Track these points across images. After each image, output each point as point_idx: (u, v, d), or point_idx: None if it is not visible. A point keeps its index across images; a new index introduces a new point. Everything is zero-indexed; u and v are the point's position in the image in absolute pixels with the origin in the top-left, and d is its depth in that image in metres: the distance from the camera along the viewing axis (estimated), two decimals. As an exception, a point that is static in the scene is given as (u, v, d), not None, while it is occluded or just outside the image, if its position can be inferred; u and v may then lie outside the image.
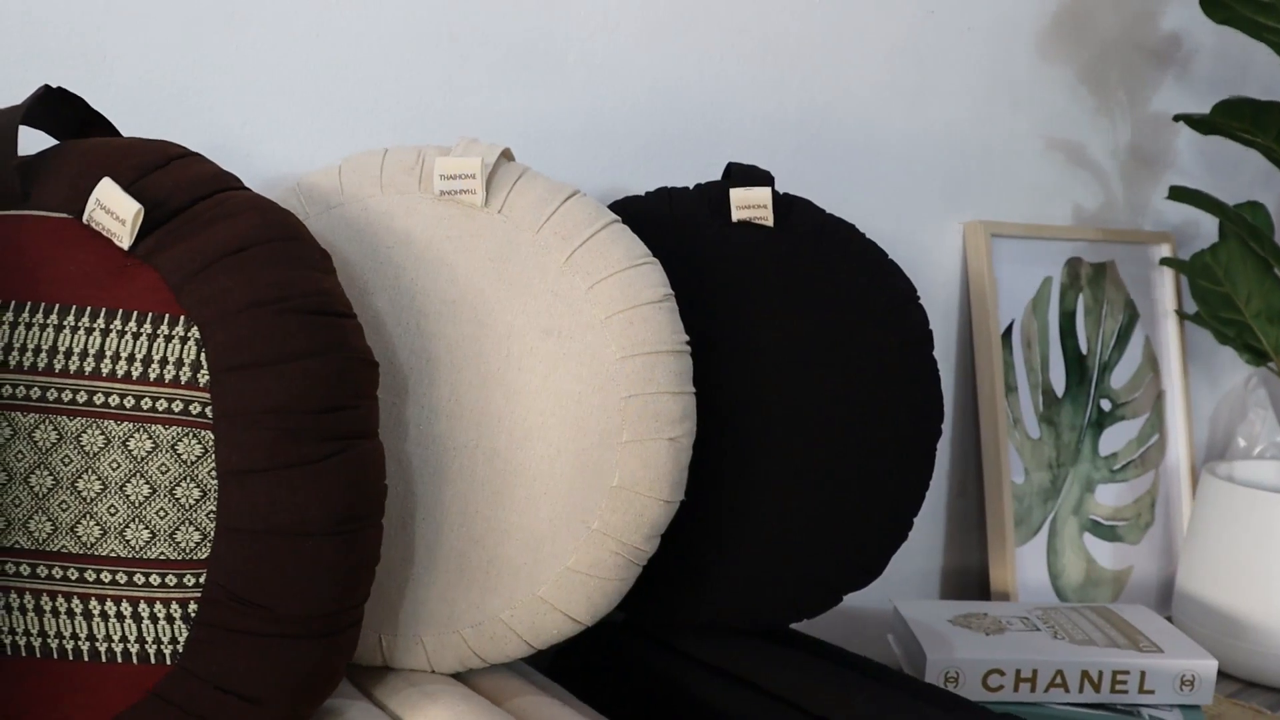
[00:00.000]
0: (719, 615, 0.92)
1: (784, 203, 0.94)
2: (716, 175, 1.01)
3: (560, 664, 0.96)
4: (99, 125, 0.77)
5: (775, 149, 1.09)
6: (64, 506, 0.66)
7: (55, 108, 0.74)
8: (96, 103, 0.81)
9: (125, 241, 0.67)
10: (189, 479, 0.65)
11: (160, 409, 0.66)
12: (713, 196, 0.94)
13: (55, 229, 0.68)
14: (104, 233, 0.68)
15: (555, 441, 0.79)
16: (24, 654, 0.67)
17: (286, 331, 0.67)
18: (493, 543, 0.79)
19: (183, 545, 0.65)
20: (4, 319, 0.67)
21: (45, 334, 0.67)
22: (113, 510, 0.66)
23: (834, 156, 1.15)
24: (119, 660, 0.66)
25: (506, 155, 0.84)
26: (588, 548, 0.79)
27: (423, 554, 0.79)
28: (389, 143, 0.94)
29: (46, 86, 0.73)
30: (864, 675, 0.87)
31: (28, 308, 0.67)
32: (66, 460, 0.66)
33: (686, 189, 0.96)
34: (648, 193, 0.97)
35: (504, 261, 0.80)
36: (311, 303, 0.68)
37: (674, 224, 0.92)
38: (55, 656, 0.67)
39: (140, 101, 0.82)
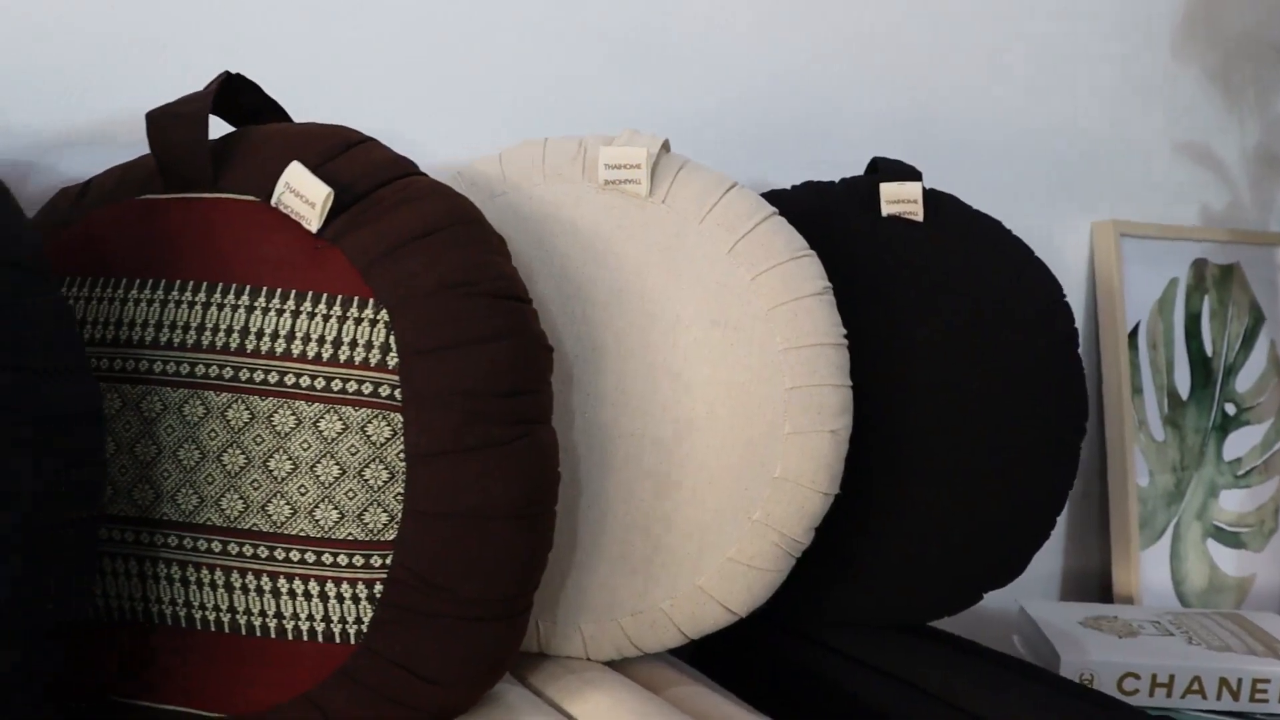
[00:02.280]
0: (861, 610, 0.92)
1: (932, 198, 0.94)
2: (828, 171, 1.00)
3: (698, 655, 0.96)
4: (272, 111, 0.78)
5: (887, 146, 1.08)
6: (255, 485, 0.66)
7: (232, 94, 0.75)
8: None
9: (314, 224, 0.68)
10: (378, 460, 0.66)
11: (350, 391, 0.66)
12: (861, 190, 0.94)
13: (245, 212, 0.69)
14: (292, 215, 0.68)
15: (721, 432, 0.79)
16: (213, 629, 0.68)
17: (473, 315, 0.67)
18: (657, 532, 0.79)
19: (370, 526, 0.66)
20: (197, 299, 0.68)
21: (237, 315, 0.67)
22: (303, 490, 0.66)
23: (968, 153, 1.14)
24: (305, 638, 0.67)
25: (665, 147, 0.84)
26: (749, 538, 0.79)
27: (586, 542, 0.79)
28: (508, 134, 0.94)
29: (227, 73, 0.74)
30: (1015, 673, 0.87)
31: (219, 289, 0.68)
32: (258, 439, 0.67)
33: (833, 183, 0.96)
34: (793, 186, 0.96)
35: (671, 252, 0.80)
36: (496, 287, 0.69)
37: (823, 217, 0.92)
38: (243, 632, 0.67)
39: (285, 95, 0.83)
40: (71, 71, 0.81)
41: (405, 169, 0.71)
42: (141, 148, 0.76)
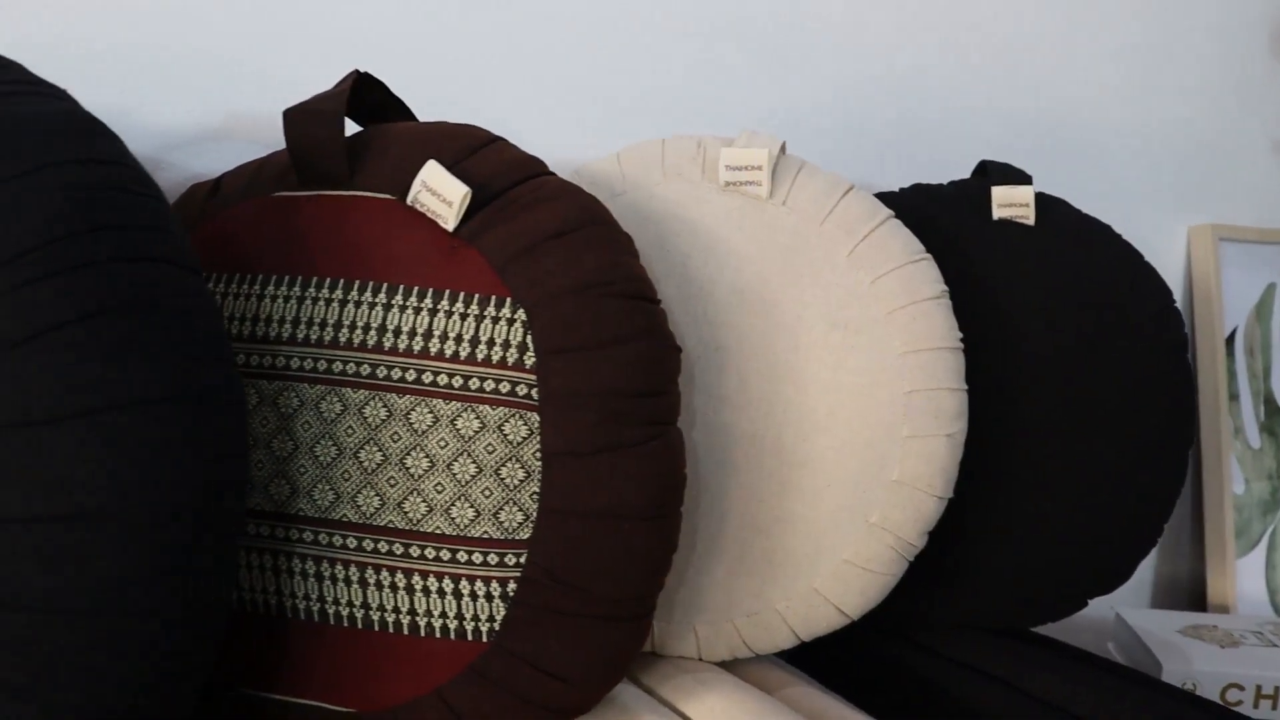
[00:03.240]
0: (966, 614, 0.91)
1: (1043, 202, 0.93)
2: (951, 171, 1.00)
3: (794, 656, 0.96)
4: (397, 109, 0.78)
5: (1008, 147, 1.08)
6: (392, 482, 0.67)
7: (360, 92, 0.76)
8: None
9: (450, 223, 0.68)
10: (514, 459, 0.66)
11: (488, 390, 0.66)
12: (971, 193, 0.93)
13: (381, 210, 0.69)
14: (428, 214, 0.68)
15: (841, 434, 0.78)
16: (345, 624, 0.68)
17: (609, 315, 0.67)
18: (776, 533, 0.79)
19: (506, 525, 0.66)
20: (334, 296, 0.68)
21: (375, 312, 0.68)
22: (439, 488, 0.66)
23: (1062, 155, 1.14)
24: (438, 635, 0.67)
25: (782, 149, 0.84)
26: (866, 541, 0.79)
27: (705, 542, 0.79)
28: (639, 131, 0.94)
29: (358, 71, 0.74)
30: (1129, 681, 0.86)
31: (356, 286, 0.68)
32: (395, 437, 0.67)
33: (942, 185, 0.95)
34: (902, 189, 0.96)
35: (792, 253, 0.80)
36: (631, 288, 0.69)
37: (933, 220, 0.91)
38: (376, 628, 0.68)
39: (402, 92, 0.83)
40: (199, 69, 0.82)
41: (536, 168, 0.72)
42: (266, 145, 0.76)
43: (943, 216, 0.92)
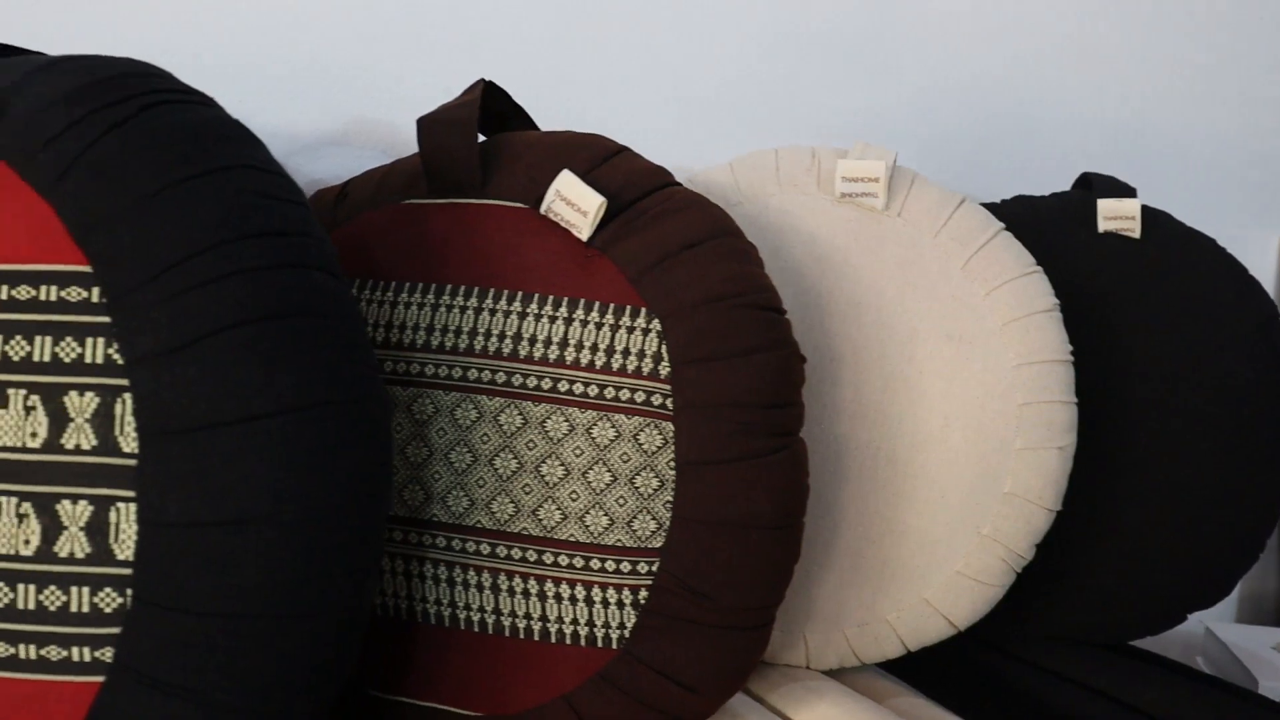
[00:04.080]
0: (1064, 626, 0.91)
1: (1147, 214, 0.93)
2: (1036, 181, 1.00)
3: (893, 665, 0.96)
4: (519, 118, 0.79)
5: (1090, 155, 1.08)
6: (527, 490, 0.67)
7: (485, 101, 0.76)
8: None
9: (585, 233, 0.68)
10: (649, 469, 0.67)
11: (624, 399, 0.67)
12: (1074, 205, 0.93)
13: (513, 218, 0.70)
14: (562, 223, 0.69)
15: (955, 445, 0.79)
16: (476, 629, 0.69)
17: (742, 326, 0.67)
18: (889, 544, 0.79)
19: (639, 533, 0.67)
20: (468, 304, 0.69)
21: (509, 320, 0.68)
22: (574, 496, 0.67)
23: (1149, 164, 1.14)
24: (568, 642, 0.68)
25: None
26: (977, 553, 0.79)
27: (818, 552, 0.79)
28: (732, 140, 0.94)
29: (484, 80, 0.75)
30: (1236, 697, 0.86)
31: (490, 294, 0.69)
32: (531, 445, 0.67)
33: (1044, 197, 0.95)
34: (1004, 200, 0.96)
35: (907, 266, 0.80)
36: (762, 299, 0.69)
37: (1039, 232, 0.91)
38: (507, 634, 0.68)
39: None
40: (316, 76, 0.83)
41: (665, 178, 0.72)
42: (383, 150, 0.77)
43: (1046, 228, 0.92)
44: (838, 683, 0.82)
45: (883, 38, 1.00)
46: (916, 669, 0.94)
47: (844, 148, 0.84)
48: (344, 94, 0.84)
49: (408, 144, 0.77)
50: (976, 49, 1.04)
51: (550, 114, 0.84)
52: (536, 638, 0.68)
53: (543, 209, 0.69)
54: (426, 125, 0.71)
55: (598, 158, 0.71)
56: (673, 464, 0.66)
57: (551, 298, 0.68)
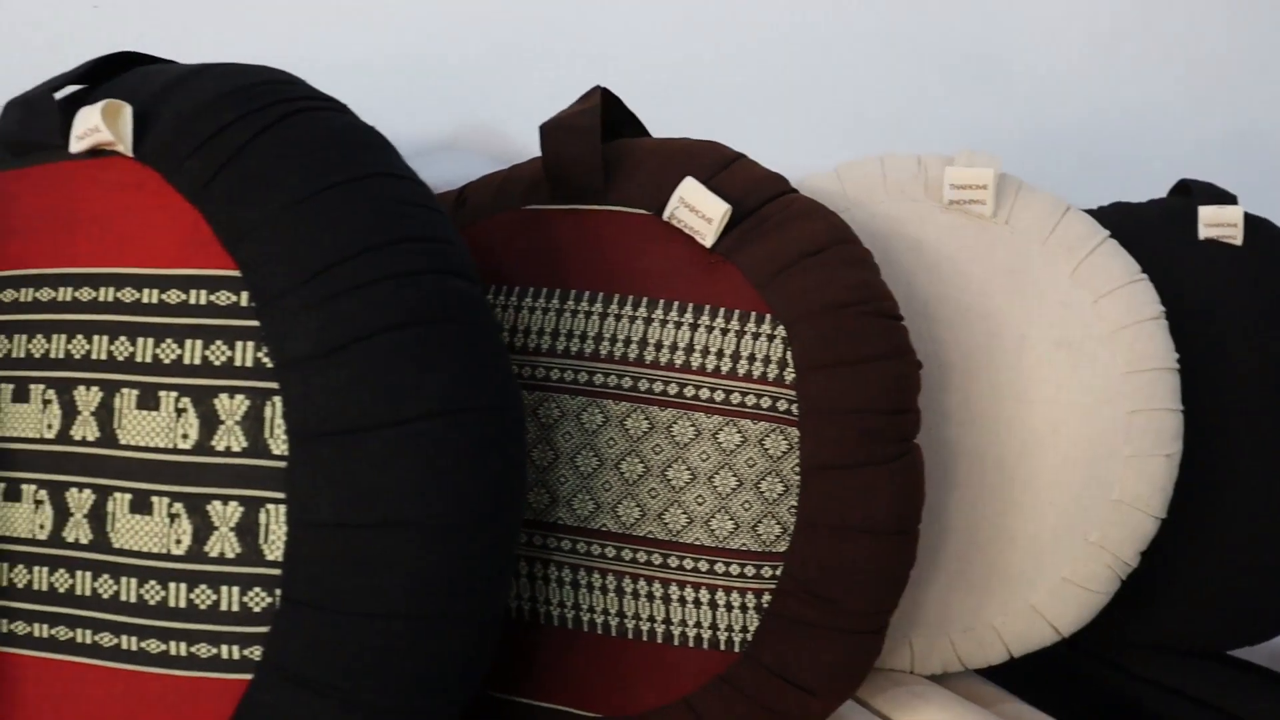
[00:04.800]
0: (1164, 634, 0.91)
1: (1249, 222, 0.93)
2: (1140, 191, 1.00)
3: (991, 671, 0.96)
4: (631, 125, 0.79)
5: (1199, 168, 1.07)
6: (653, 494, 0.68)
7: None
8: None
9: (709, 240, 0.69)
10: (774, 474, 0.67)
11: (749, 404, 0.67)
12: (1175, 212, 0.93)
13: (636, 225, 0.71)
14: (685, 230, 0.70)
15: (1064, 452, 0.79)
16: (599, 631, 0.69)
17: (866, 333, 0.68)
18: (996, 550, 0.80)
19: (764, 537, 0.67)
20: (593, 309, 0.70)
21: (635, 325, 0.69)
22: (700, 500, 0.68)
23: (1255, 179, 1.13)
24: (691, 644, 0.68)
25: (997, 168, 0.85)
26: (1084, 560, 0.79)
27: (926, 556, 0.80)
28: (837, 149, 0.94)
29: (600, 87, 0.76)
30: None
31: (615, 299, 0.70)
32: (657, 449, 0.68)
33: (1143, 204, 0.95)
34: (1101, 207, 0.96)
35: (1016, 273, 0.80)
36: (883, 306, 0.70)
37: (1139, 239, 0.91)
38: (630, 636, 0.69)
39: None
40: (429, 81, 0.84)
41: (783, 186, 0.73)
42: (495, 156, 0.78)
43: (1147, 235, 0.92)
44: (942, 688, 0.82)
45: (983, 46, 1.00)
46: (1016, 676, 0.95)
47: (948, 155, 0.84)
48: (452, 99, 0.85)
49: (517, 149, 0.78)
50: (1077, 56, 1.04)
51: (659, 120, 0.85)
52: (659, 640, 0.68)
53: (665, 215, 0.69)
54: (549, 132, 0.72)
55: (718, 165, 0.72)
56: (797, 469, 0.67)
57: (676, 303, 0.69)
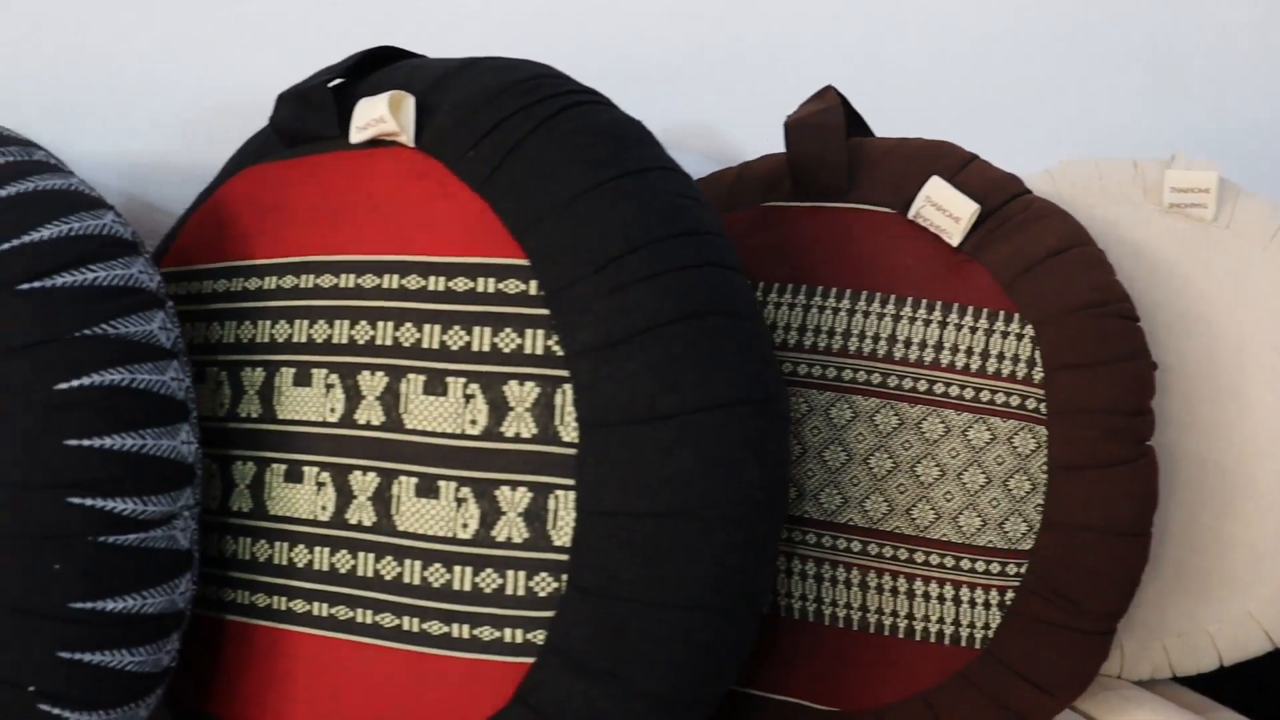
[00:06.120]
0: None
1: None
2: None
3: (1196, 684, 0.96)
4: (857, 124, 0.80)
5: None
6: (901, 489, 0.68)
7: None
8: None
9: (955, 239, 0.69)
10: (1022, 472, 0.67)
11: (999, 402, 0.68)
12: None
13: (881, 222, 0.71)
14: (931, 229, 0.70)
15: (1286, 459, 0.79)
16: (841, 625, 0.70)
17: (1111, 334, 0.68)
18: (1214, 554, 0.79)
19: (1010, 535, 0.67)
20: (840, 305, 0.70)
21: (884, 322, 0.69)
22: (948, 496, 0.68)
23: None
24: (932, 640, 0.69)
25: (1210, 171, 0.84)
26: (1304, 567, 0.79)
27: (1145, 560, 0.79)
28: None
29: (831, 87, 0.76)
30: None
31: (863, 297, 0.70)
32: (906, 445, 0.68)
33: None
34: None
35: (1238, 277, 0.80)
36: (1125, 308, 0.70)
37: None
38: (871, 631, 0.69)
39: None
40: (636, 78, 0.84)
41: (1021, 186, 0.73)
42: (712, 156, 0.78)
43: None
44: (1153, 694, 0.82)
45: (1175, 47, 1.00)
46: (1220, 688, 0.94)
47: (1163, 159, 0.84)
48: (659, 96, 0.86)
49: (725, 147, 0.79)
50: (1268, 58, 1.04)
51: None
52: (900, 635, 0.69)
53: (910, 214, 0.70)
54: (794, 129, 0.72)
55: (957, 165, 0.72)
56: (1045, 467, 0.67)
57: (925, 301, 0.69)
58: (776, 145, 0.76)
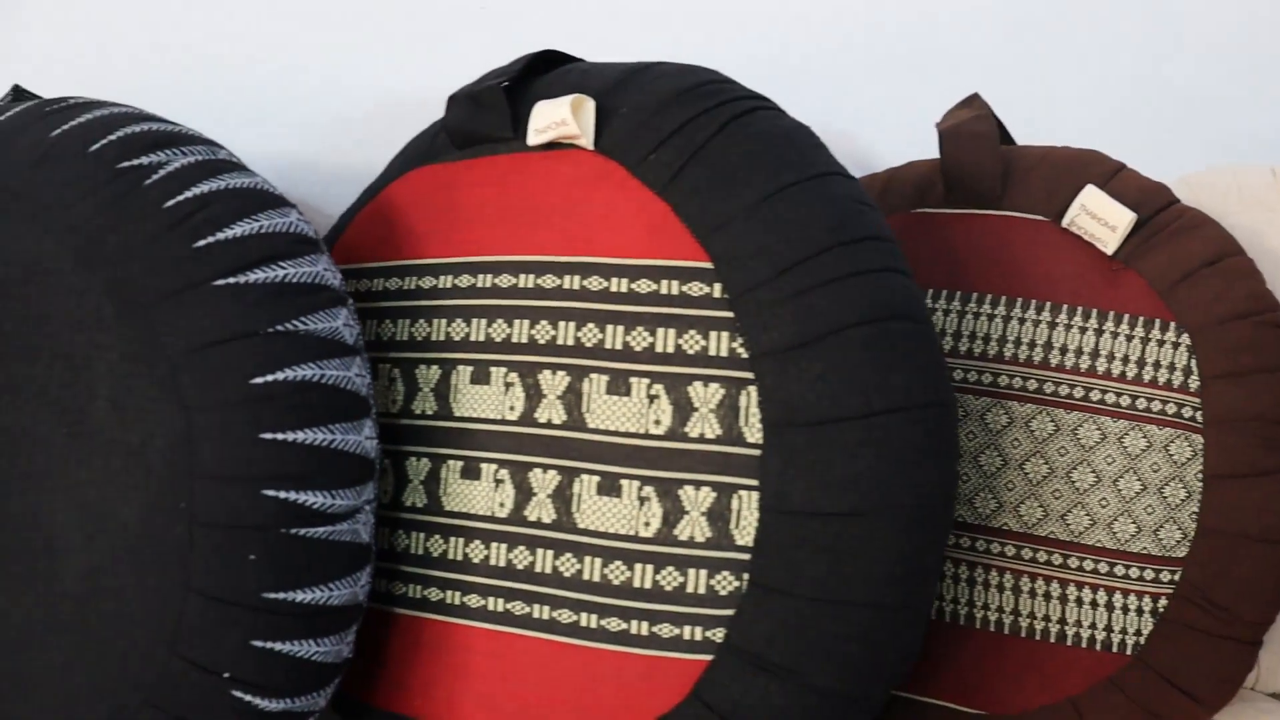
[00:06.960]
0: None
1: None
2: None
3: None
4: (1002, 131, 0.80)
5: None
6: (1056, 495, 0.69)
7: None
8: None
9: (1110, 247, 0.70)
10: (1177, 479, 0.68)
11: (1154, 410, 0.68)
12: None
13: (1034, 230, 0.72)
14: (1085, 237, 0.71)
15: None
16: (992, 629, 0.70)
17: (1268, 344, 0.69)
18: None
19: (1164, 542, 0.68)
20: (996, 312, 0.71)
21: (1039, 329, 0.70)
22: (1104, 503, 0.69)
23: None
24: (1083, 645, 0.69)
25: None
26: None
27: None
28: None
29: (977, 94, 0.77)
30: None
31: (1019, 303, 0.71)
32: (1062, 451, 0.69)
33: None
34: None
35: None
36: (1277, 317, 0.70)
37: None
38: (1023, 634, 0.70)
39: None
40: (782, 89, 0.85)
41: (1171, 195, 0.74)
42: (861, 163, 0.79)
43: None
44: (1283, 704, 0.82)
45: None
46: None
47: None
48: (792, 103, 0.86)
49: (855, 153, 0.79)
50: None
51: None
52: (1051, 639, 0.69)
53: (1065, 222, 0.71)
54: (949, 137, 0.73)
55: (1108, 173, 0.73)
56: (1200, 476, 0.68)
57: (1080, 308, 0.70)
58: (906, 151, 0.77)
